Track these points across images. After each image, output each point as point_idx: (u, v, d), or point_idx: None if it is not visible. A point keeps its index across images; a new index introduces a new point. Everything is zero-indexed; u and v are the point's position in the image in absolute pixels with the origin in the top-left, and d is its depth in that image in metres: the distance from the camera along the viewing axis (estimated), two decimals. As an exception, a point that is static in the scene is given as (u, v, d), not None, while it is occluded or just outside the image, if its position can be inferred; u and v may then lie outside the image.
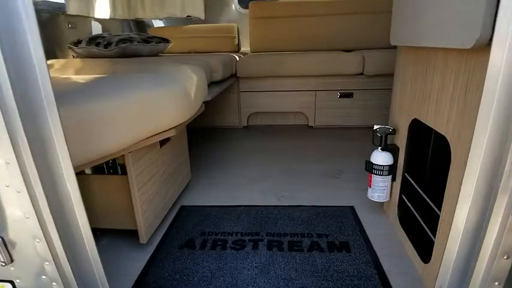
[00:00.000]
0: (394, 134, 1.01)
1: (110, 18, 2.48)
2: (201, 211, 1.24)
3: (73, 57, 2.01)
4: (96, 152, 0.72)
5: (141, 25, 2.95)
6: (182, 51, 2.89)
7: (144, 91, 0.86)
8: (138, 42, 1.86)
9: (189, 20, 2.91)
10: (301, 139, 2.17)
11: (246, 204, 1.28)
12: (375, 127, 1.03)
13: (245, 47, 3.10)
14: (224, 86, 1.80)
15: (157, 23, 3.16)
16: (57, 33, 1.98)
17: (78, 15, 2.09)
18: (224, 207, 1.27)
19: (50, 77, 0.51)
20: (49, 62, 1.61)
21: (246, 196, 1.36)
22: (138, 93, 0.84)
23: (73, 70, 1.39)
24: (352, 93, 2.33)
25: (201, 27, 2.92)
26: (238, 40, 2.97)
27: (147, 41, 1.96)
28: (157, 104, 0.88)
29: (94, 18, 2.30)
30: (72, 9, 2.02)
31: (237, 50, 2.98)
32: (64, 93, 0.73)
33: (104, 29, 2.46)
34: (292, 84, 2.35)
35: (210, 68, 1.74)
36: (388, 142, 1.05)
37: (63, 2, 1.99)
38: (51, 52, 1.91)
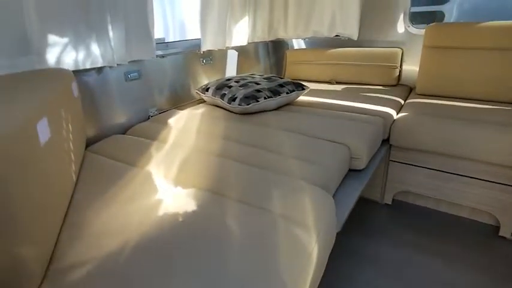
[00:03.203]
0: None
1: (248, 43, 2.33)
2: None
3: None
4: None
5: (278, 45, 2.72)
6: (322, 80, 2.53)
7: None
8: (265, 98, 1.61)
9: (337, 39, 2.49)
10: (487, 264, 1.45)
11: None
12: None
13: (408, 65, 2.42)
14: (366, 180, 1.34)
15: (297, 42, 2.86)
16: (194, 73, 1.95)
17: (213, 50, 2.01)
18: None
19: None
20: (172, 118, 1.54)
21: None
22: None
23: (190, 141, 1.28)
24: None
25: (350, 52, 2.48)
26: (401, 69, 2.37)
27: (276, 91, 1.69)
28: None
29: (230, 47, 2.19)
30: (208, 45, 1.94)
31: (395, 84, 2.39)
32: None
33: (239, 55, 2.33)
34: (480, 171, 1.65)
35: (350, 153, 1.33)
36: None
37: (199, 37, 1.91)
38: (186, 94, 1.91)
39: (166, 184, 1.05)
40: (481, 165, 1.63)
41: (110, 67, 1.44)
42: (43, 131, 0.78)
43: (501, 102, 1.94)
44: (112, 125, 1.49)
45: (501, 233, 1.65)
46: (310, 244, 0.80)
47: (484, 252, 1.54)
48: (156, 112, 1.69)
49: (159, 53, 1.74)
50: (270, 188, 0.99)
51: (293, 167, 1.15)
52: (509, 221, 1.63)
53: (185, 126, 1.51)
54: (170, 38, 3.02)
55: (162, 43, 1.76)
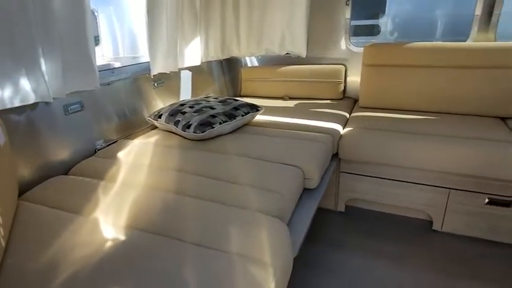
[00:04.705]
0: None
1: (201, 63, 2.16)
2: None
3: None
4: None
5: (232, 63, 2.59)
6: (276, 96, 2.45)
7: None
8: (220, 123, 1.47)
9: (288, 57, 2.43)
10: (427, 260, 1.52)
11: None
12: None
13: (353, 78, 2.42)
14: (319, 198, 1.28)
15: (250, 60, 2.75)
16: (146, 98, 1.72)
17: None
18: None
19: None
20: (121, 151, 1.34)
21: None
22: None
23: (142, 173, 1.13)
24: (511, 202, 1.54)
25: (300, 69, 2.43)
26: (345, 84, 2.37)
27: (231, 115, 1.56)
28: None
29: (183, 68, 2.01)
30: (158, 68, 1.74)
31: (341, 98, 2.39)
32: None
33: (193, 75, 2.16)
34: (414, 176, 1.72)
35: (303, 175, 1.25)
36: None
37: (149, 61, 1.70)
38: (139, 120, 1.71)
39: (116, 233, 0.88)
40: (415, 171, 1.68)
41: (46, 102, 1.21)
42: None
43: (432, 112, 2.02)
44: (52, 164, 1.25)
45: (434, 227, 1.72)
46: (267, 282, 0.74)
47: (423, 246, 1.62)
48: (103, 144, 1.47)
49: (110, 79, 1.53)
50: (225, 226, 0.89)
51: (249, 197, 1.07)
52: (439, 217, 1.71)
53: (136, 159, 1.32)
54: (120, 55, 2.74)
55: (106, 70, 1.54)
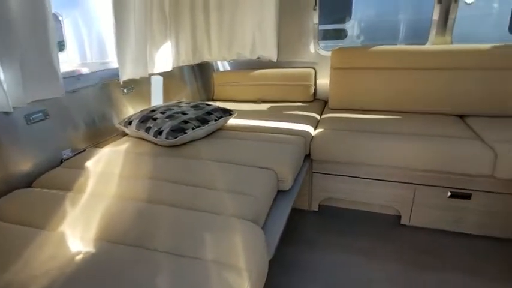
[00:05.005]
0: None
1: (173, 68, 2.12)
2: None
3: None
4: None
5: (204, 68, 2.57)
6: (249, 99, 2.47)
7: None
8: (193, 128, 1.45)
9: (259, 61, 2.45)
10: (398, 254, 1.58)
11: None
12: None
13: (322, 80, 2.48)
14: (293, 200, 1.30)
15: (222, 64, 2.75)
16: (116, 104, 1.67)
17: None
18: None
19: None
20: (90, 160, 1.29)
21: None
22: None
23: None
24: (471, 194, 1.65)
25: (272, 73, 2.46)
26: (315, 86, 2.44)
27: (204, 120, 1.55)
28: None
29: (154, 73, 1.96)
30: (127, 74, 1.69)
31: (312, 100, 2.45)
32: None
33: (165, 80, 2.12)
34: (382, 173, 1.78)
35: (277, 177, 1.26)
36: None
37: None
38: (109, 128, 1.65)
39: (85, 247, 0.84)
40: (383, 169, 1.74)
41: (5, 112, 1.14)
42: None
43: (397, 112, 2.11)
44: (14, 177, 1.18)
45: (402, 222, 1.79)
46: (242, 287, 0.74)
47: (393, 240, 1.68)
48: (70, 154, 1.41)
49: (77, 86, 1.47)
50: (200, 232, 0.88)
51: (223, 202, 1.06)
52: (407, 211, 1.78)
53: (105, 168, 1.27)
54: (87, 60, 2.64)
55: (72, 76, 1.48)
